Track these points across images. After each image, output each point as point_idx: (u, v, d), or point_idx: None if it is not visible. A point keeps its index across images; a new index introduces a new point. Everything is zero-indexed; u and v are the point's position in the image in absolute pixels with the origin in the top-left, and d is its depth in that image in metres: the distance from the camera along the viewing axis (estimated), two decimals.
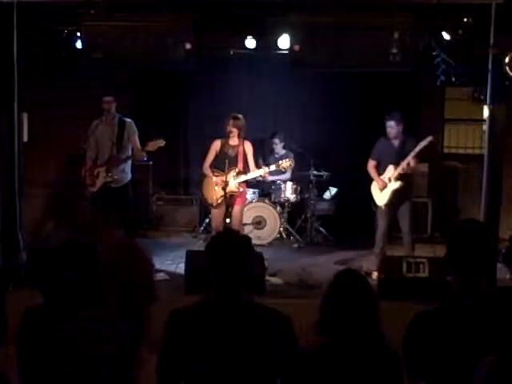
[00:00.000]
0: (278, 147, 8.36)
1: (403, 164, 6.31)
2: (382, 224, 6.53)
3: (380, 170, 6.54)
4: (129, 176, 6.69)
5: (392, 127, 6.40)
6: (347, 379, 2.37)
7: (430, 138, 6.29)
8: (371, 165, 6.59)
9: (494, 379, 1.78)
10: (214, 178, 6.59)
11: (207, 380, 2.44)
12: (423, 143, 6.26)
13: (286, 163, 6.79)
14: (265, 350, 2.44)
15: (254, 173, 6.62)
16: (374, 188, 6.57)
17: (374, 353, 2.40)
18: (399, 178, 6.36)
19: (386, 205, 6.44)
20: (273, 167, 6.75)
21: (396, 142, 6.47)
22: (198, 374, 2.45)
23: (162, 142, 6.46)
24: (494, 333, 2.24)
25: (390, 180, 6.40)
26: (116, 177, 6.52)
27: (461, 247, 2.38)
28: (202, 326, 2.46)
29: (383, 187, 6.43)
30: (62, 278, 2.71)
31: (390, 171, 6.41)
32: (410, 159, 6.30)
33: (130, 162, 6.71)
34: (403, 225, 6.50)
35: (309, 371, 2.40)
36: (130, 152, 6.66)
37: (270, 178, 7.99)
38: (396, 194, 6.39)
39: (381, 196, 6.48)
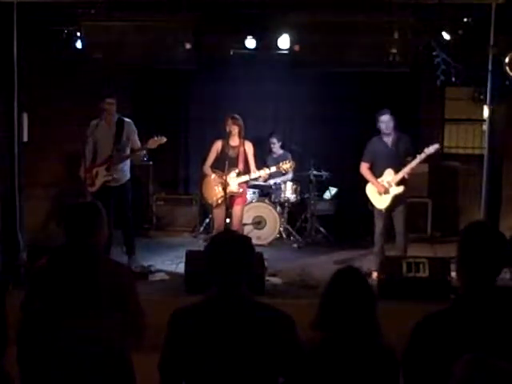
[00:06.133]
0: (276, 146, 8.36)
1: (407, 169, 6.19)
2: (379, 224, 6.45)
3: (375, 171, 6.39)
4: (128, 175, 6.69)
5: (386, 122, 6.24)
6: (344, 376, 2.38)
7: (436, 146, 6.18)
8: (365, 167, 6.42)
9: (473, 377, 1.76)
10: (213, 176, 6.58)
11: (209, 378, 2.45)
12: (430, 150, 6.12)
13: (286, 165, 6.74)
14: (267, 348, 2.44)
15: (255, 174, 6.61)
16: (371, 190, 6.42)
17: (370, 350, 2.42)
18: (400, 182, 6.26)
19: (387, 208, 6.37)
20: (273, 169, 6.71)
21: (389, 141, 6.34)
22: (199, 372, 2.45)
23: (162, 140, 6.44)
24: (503, 335, 2.21)
25: (390, 184, 6.27)
26: (115, 176, 6.52)
27: (472, 250, 2.32)
28: (204, 324, 2.46)
29: (384, 192, 6.30)
30: (62, 283, 2.70)
31: (390, 175, 6.28)
32: (413, 165, 6.19)
33: (128, 161, 6.70)
34: (397, 225, 6.40)
35: (307, 368, 2.41)
36: (128, 151, 6.65)
37: (272, 181, 8.00)
38: (396, 197, 6.31)
39: (381, 200, 6.34)
